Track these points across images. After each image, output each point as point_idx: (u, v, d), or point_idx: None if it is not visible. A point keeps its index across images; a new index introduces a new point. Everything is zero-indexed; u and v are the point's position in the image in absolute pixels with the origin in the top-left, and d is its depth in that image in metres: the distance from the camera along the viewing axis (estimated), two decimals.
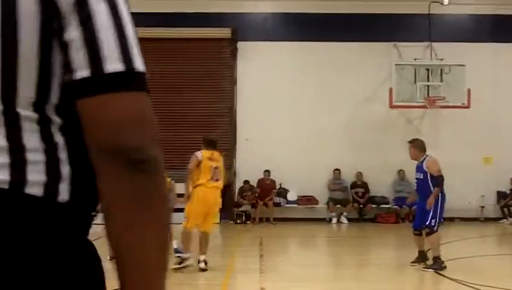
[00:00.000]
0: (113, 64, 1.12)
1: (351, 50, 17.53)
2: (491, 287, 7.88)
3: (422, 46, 17.22)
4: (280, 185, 17.37)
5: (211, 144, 9.31)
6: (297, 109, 17.45)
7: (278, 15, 17.87)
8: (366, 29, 17.45)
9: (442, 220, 9.53)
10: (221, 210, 16.51)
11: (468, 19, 17.85)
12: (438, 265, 9.18)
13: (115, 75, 1.12)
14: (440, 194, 9.26)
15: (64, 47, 1.13)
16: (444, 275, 8.87)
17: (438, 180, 9.28)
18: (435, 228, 9.16)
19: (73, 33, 1.12)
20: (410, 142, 9.82)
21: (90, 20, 1.12)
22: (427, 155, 9.52)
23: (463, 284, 8.24)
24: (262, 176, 17.17)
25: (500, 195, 17.45)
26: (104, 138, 1.11)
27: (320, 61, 17.59)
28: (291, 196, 17.32)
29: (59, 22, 1.13)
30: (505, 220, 16.99)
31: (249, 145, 17.24)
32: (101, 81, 1.11)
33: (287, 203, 17.27)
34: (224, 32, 17.66)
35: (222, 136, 17.43)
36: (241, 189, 17.12)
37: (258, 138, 17.18)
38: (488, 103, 16.90)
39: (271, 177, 17.20)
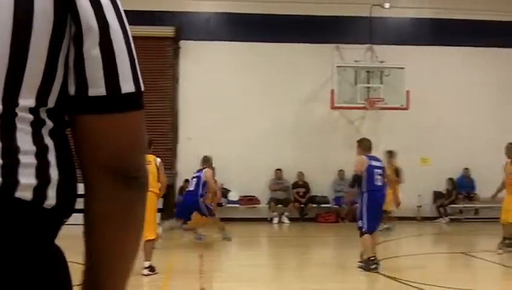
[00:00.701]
0: (127, 85, 1.18)
1: (293, 51, 17.65)
2: (428, 285, 8.03)
3: (363, 48, 17.45)
4: (222, 185, 17.32)
5: None
6: (239, 109, 17.45)
7: (221, 15, 17.84)
8: (309, 31, 17.60)
9: (378, 222, 9.48)
10: (162, 210, 16.43)
11: (408, 22, 18.23)
12: (367, 266, 9.22)
13: (128, 95, 1.18)
14: (367, 194, 9.19)
15: (79, 62, 1.16)
16: (383, 274, 9.00)
17: (354, 178, 9.46)
18: (364, 229, 9.18)
19: (92, 51, 1.16)
20: (357, 141, 9.92)
21: (110, 41, 1.16)
22: (368, 156, 9.59)
23: (402, 282, 8.38)
24: None
25: (437, 195, 17.88)
26: (110, 155, 1.16)
27: (263, 62, 17.65)
28: (233, 196, 17.31)
29: (74, 34, 1.15)
30: (441, 219, 17.41)
31: (191, 145, 17.14)
32: (116, 101, 1.17)
33: (228, 203, 17.24)
34: (167, 31, 17.51)
35: (163, 136, 17.32)
36: (182, 189, 16.99)
37: (200, 138, 17.09)
38: (426, 105, 17.26)
39: (213, 177, 17.11)
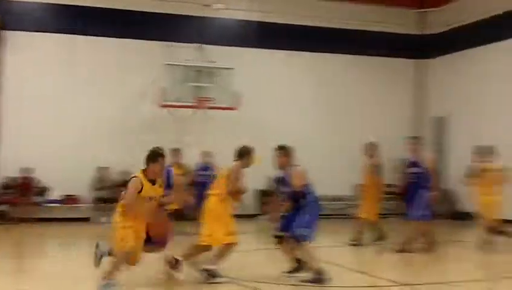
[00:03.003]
0: None
1: (123, 47, 17.40)
2: (249, 281, 8.22)
3: (193, 47, 17.58)
4: (42, 183, 16.59)
5: None
6: (64, 104, 16.95)
7: (49, 5, 17.18)
8: (139, 27, 17.45)
9: None
10: None
11: (238, 24, 18.66)
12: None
13: None
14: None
15: None
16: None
17: None
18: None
19: None
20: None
21: None
22: None
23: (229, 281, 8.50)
24: (24, 174, 16.29)
25: (261, 193, 18.42)
26: None
27: (92, 56, 17.25)
28: (54, 195, 16.71)
29: None
30: (262, 216, 17.95)
31: (10, 141, 16.32)
32: None
33: (49, 203, 16.62)
34: None
35: None
36: (7, 186, 16.17)
37: (21, 134, 16.36)
38: (253, 106, 17.73)
39: (33, 175, 16.36)
